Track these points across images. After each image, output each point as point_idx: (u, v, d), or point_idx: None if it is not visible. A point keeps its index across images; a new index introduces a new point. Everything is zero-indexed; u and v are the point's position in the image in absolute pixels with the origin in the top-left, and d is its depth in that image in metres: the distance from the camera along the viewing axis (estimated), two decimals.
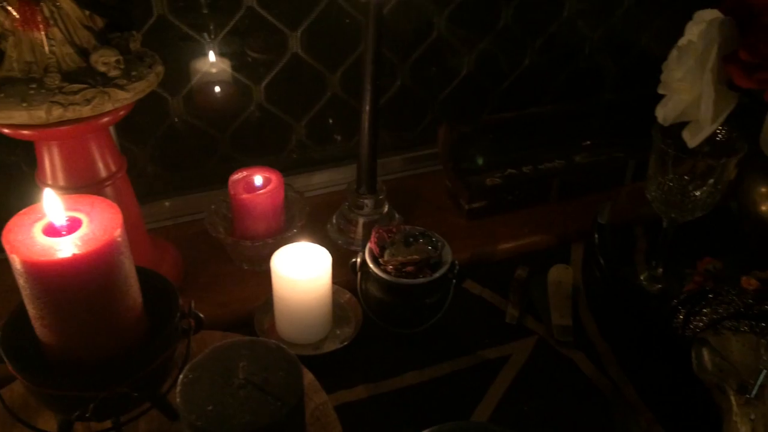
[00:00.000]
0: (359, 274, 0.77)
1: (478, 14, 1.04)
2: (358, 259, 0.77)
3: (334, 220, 0.95)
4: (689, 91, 0.68)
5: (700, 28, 0.68)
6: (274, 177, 0.84)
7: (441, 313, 0.77)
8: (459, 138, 1.01)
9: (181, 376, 0.46)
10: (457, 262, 0.76)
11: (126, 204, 0.76)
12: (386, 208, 0.93)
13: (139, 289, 0.56)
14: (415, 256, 0.73)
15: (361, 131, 0.85)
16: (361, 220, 0.92)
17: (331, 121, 1.07)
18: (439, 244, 0.76)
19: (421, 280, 0.72)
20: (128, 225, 0.77)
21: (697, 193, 0.78)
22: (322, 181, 1.06)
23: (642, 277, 0.89)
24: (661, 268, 0.87)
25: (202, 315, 0.60)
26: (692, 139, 0.69)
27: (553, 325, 0.81)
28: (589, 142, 1.08)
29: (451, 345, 0.79)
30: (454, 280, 0.77)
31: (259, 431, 0.42)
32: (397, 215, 0.96)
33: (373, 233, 0.76)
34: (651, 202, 0.82)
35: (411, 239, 0.75)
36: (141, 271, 0.57)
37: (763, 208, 0.75)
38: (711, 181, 0.79)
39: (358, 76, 0.81)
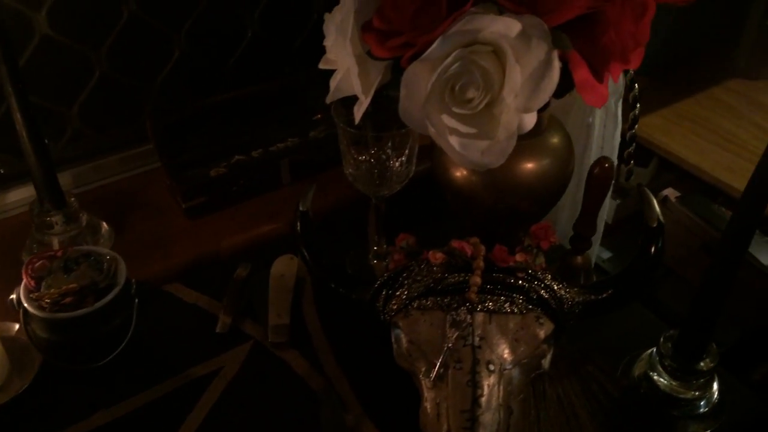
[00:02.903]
0: (21, 313, 0.67)
1: None
2: (15, 296, 0.66)
3: (27, 245, 0.83)
4: (341, 64, 0.62)
5: None
6: None
7: (127, 338, 0.68)
8: (170, 128, 0.91)
9: None
10: (134, 280, 0.68)
11: None
12: (85, 221, 0.83)
13: None
14: (74, 285, 0.64)
15: (21, 141, 0.74)
16: (56, 240, 0.81)
17: None
18: (106, 265, 0.67)
19: (84, 310, 0.63)
20: None
21: (392, 166, 0.75)
22: (25, 196, 0.93)
23: (370, 255, 0.85)
24: (385, 244, 0.84)
25: None
26: (356, 113, 0.64)
27: (269, 326, 0.75)
28: (320, 116, 1.02)
29: (150, 371, 0.70)
30: (136, 300, 0.68)
31: None
32: (105, 225, 0.86)
33: (25, 265, 0.65)
34: (352, 182, 0.78)
35: (73, 265, 0.66)
36: None
37: (457, 174, 0.72)
38: (407, 151, 0.75)
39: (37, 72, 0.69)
